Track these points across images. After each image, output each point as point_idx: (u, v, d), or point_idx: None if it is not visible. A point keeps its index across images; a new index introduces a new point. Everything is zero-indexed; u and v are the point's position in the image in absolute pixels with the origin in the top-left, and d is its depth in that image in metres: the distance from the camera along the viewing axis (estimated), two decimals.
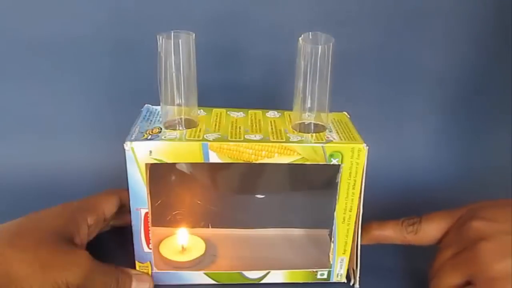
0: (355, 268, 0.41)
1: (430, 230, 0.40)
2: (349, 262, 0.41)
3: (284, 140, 0.37)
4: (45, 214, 0.38)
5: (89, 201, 0.41)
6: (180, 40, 0.36)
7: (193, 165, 0.44)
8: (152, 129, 0.38)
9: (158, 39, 0.36)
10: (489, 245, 0.36)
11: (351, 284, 0.42)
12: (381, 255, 0.43)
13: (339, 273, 0.42)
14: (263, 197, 0.46)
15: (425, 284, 0.38)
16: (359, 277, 0.41)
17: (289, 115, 0.42)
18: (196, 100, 0.38)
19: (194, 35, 0.36)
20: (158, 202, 0.42)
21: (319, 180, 0.43)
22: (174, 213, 0.45)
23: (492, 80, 0.58)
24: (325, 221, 0.41)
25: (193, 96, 0.38)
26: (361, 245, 0.40)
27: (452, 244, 0.38)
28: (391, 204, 0.46)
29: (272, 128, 0.39)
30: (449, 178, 0.57)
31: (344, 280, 0.42)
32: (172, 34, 0.36)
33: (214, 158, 0.36)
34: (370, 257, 0.40)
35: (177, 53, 0.36)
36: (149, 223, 0.38)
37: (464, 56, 0.46)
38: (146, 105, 0.42)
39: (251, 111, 0.43)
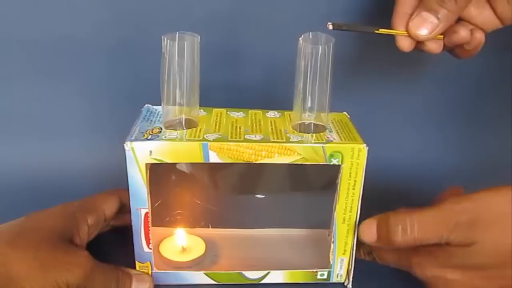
0: (349, 268, 0.41)
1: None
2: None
3: (284, 140, 0.37)
4: (45, 214, 0.38)
5: (89, 201, 0.41)
6: (185, 43, 0.36)
7: (193, 165, 0.44)
8: (152, 129, 0.38)
9: (162, 40, 0.35)
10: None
11: (345, 284, 0.42)
12: None
13: (339, 274, 0.42)
14: (263, 197, 0.46)
15: (419, 283, 0.38)
16: (353, 277, 0.41)
17: (289, 115, 0.42)
18: (198, 100, 0.38)
19: (199, 37, 0.36)
20: (158, 202, 0.42)
21: (319, 180, 0.43)
22: (174, 213, 0.45)
23: (492, 80, 0.58)
24: (325, 221, 0.41)
25: (195, 97, 0.38)
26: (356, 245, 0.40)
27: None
28: (390, 204, 0.46)
29: (272, 128, 0.39)
30: (449, 178, 0.57)
31: (344, 280, 0.42)
32: (177, 35, 0.36)
33: (214, 158, 0.36)
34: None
35: (181, 55, 0.36)
36: (149, 223, 0.38)
37: None
38: (146, 105, 0.42)
39: (251, 111, 0.43)
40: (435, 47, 0.40)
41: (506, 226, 0.33)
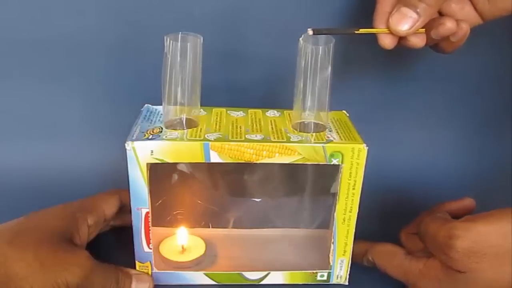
0: (348, 268, 0.41)
1: None
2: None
3: (285, 140, 0.37)
4: (45, 214, 0.38)
5: (89, 201, 0.41)
6: (188, 44, 0.36)
7: (194, 165, 0.44)
8: (153, 129, 0.38)
9: (165, 40, 0.35)
10: None
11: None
12: None
13: (339, 275, 0.42)
14: (263, 197, 0.46)
15: None
16: (349, 274, 0.41)
17: (289, 114, 0.42)
18: (199, 100, 0.38)
19: (202, 38, 0.36)
20: (159, 202, 0.42)
21: (319, 180, 0.43)
22: (174, 213, 0.45)
23: (493, 80, 0.58)
24: (325, 221, 0.41)
25: (196, 97, 0.38)
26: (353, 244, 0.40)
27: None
28: (390, 204, 0.46)
29: (272, 128, 0.39)
30: (449, 178, 0.57)
31: (343, 281, 0.42)
32: (180, 36, 0.35)
33: (215, 158, 0.36)
34: None
35: (184, 56, 0.36)
36: (149, 223, 0.38)
37: (465, 55, 0.46)
38: (146, 105, 0.42)
39: (251, 110, 0.43)
40: (417, 41, 0.40)
41: (501, 258, 0.33)
